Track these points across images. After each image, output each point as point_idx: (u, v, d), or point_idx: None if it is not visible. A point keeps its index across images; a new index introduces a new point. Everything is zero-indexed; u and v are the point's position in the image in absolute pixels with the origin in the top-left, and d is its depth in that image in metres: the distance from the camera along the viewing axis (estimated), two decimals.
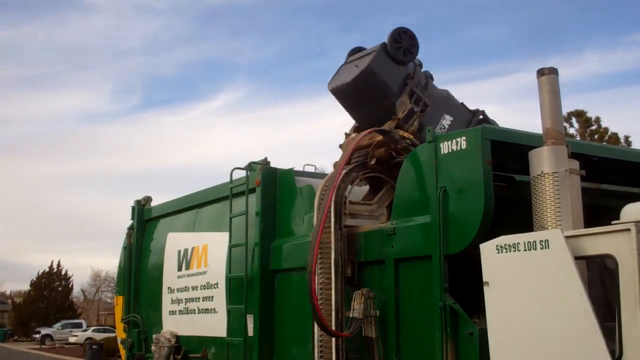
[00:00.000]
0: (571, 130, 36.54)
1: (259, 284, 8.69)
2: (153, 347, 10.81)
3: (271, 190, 8.88)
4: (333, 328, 7.19)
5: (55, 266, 66.70)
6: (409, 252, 6.81)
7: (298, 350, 8.21)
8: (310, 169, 9.42)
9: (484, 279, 5.61)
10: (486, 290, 5.59)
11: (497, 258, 5.49)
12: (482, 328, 5.99)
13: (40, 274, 66.24)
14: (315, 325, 7.45)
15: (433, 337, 6.38)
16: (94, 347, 36.14)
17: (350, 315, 7.03)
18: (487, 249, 5.59)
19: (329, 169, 9.17)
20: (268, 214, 8.83)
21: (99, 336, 49.98)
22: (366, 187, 8.31)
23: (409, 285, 6.84)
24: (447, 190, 6.40)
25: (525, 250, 5.28)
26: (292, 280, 8.50)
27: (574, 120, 37.57)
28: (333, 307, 7.23)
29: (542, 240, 5.19)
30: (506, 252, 5.42)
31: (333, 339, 7.20)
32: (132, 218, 12.28)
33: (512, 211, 6.45)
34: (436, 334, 6.30)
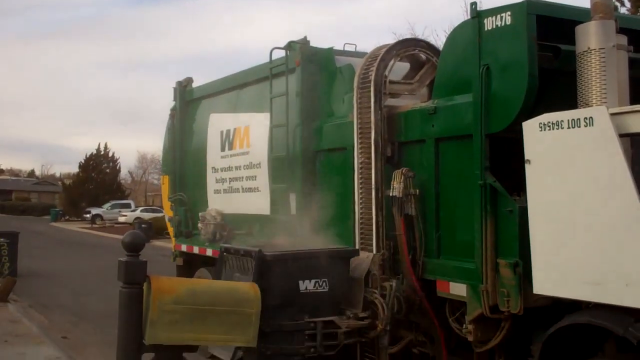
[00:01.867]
0: (622, 10, 35.20)
1: (301, 164, 8.79)
2: (200, 224, 11.10)
3: (311, 70, 8.83)
4: (373, 207, 7.30)
5: (102, 149, 67.98)
6: (449, 131, 6.79)
7: (338, 226, 8.35)
8: (351, 48, 9.30)
9: (526, 157, 5.60)
10: (527, 168, 5.59)
11: (539, 136, 5.46)
12: (522, 206, 6.04)
13: (88, 156, 67.61)
14: (356, 203, 7.57)
15: (472, 215, 6.45)
16: (143, 225, 37.37)
17: (390, 194, 7.11)
18: (530, 127, 5.55)
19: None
20: (308, 94, 8.82)
21: (147, 216, 51.39)
22: (407, 65, 8.20)
23: (449, 164, 6.86)
24: (490, 67, 6.29)
25: (569, 127, 5.24)
26: (333, 160, 8.57)
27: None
28: (373, 186, 7.31)
29: (586, 118, 5.13)
30: (549, 129, 5.37)
31: (373, 217, 7.31)
32: (175, 99, 12.36)
33: (557, 84, 6.33)
34: (476, 211, 6.35)
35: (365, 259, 7.20)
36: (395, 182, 7.06)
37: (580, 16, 6.14)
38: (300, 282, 6.70)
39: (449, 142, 6.84)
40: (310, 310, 6.71)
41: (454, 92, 6.81)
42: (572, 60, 6.03)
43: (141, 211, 56.81)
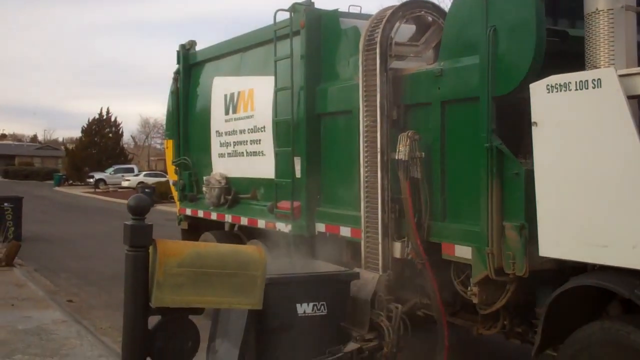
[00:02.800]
0: None
1: (306, 128, 8.76)
2: (204, 188, 11.11)
3: (316, 32, 8.76)
4: (379, 170, 7.29)
5: (104, 113, 67.94)
6: (456, 93, 6.75)
7: (344, 190, 8.36)
8: (356, 10, 9.20)
9: (533, 119, 5.57)
10: (534, 131, 5.57)
11: (547, 98, 5.42)
12: (528, 169, 6.02)
13: (90, 120, 67.67)
14: (362, 166, 7.56)
15: (478, 178, 6.44)
16: (146, 190, 37.48)
17: (396, 157, 7.09)
18: (537, 89, 5.51)
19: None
20: (313, 56, 8.76)
21: (151, 180, 51.62)
22: (413, 27, 8.12)
23: (455, 127, 6.83)
24: (497, 29, 6.23)
25: (576, 89, 5.20)
26: (338, 124, 8.54)
27: None
28: (379, 150, 7.29)
29: (594, 79, 5.09)
30: (557, 91, 5.34)
31: (379, 180, 7.30)
32: (178, 62, 12.29)
33: (566, 68, 6.29)
34: (481, 174, 6.33)
35: (371, 279, 7.20)
36: (401, 145, 7.04)
37: None
38: (298, 305, 6.66)
39: (455, 105, 6.80)
40: (308, 335, 6.71)
41: (461, 54, 6.75)
42: (580, 43, 5.98)
43: (144, 176, 57.03)
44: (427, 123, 7.13)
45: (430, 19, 7.69)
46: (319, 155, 8.81)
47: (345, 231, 8.25)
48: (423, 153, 7.01)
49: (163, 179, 50.30)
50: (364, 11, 9.15)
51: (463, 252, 6.64)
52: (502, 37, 6.21)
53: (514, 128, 6.40)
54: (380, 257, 7.34)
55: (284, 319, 6.66)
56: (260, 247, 6.74)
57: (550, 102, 5.39)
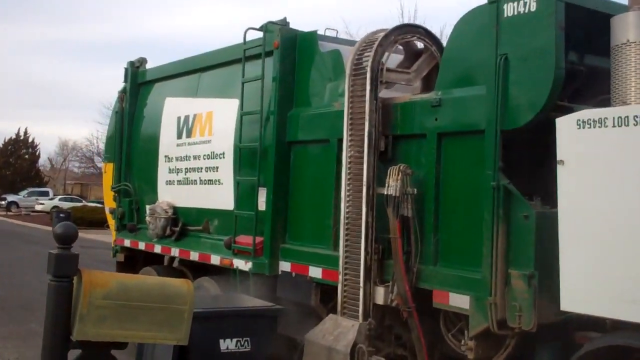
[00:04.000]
0: None
1: (274, 156, 8.04)
2: (148, 218, 10.22)
3: (290, 53, 8.10)
4: (363, 206, 6.63)
5: (22, 133, 65.40)
6: (456, 125, 6.17)
7: (316, 226, 7.67)
8: (332, 34, 8.60)
9: (559, 157, 5.02)
10: (560, 170, 5.02)
11: (577, 134, 4.89)
12: (540, 211, 5.49)
13: (6, 140, 64.96)
14: (343, 201, 6.89)
15: (480, 219, 5.85)
16: (61, 215, 35.64)
17: (385, 193, 6.45)
18: (565, 124, 4.97)
19: (357, 35, 8.38)
20: (286, 80, 8.09)
21: (66, 205, 49.62)
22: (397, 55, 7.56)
23: (454, 163, 6.24)
24: (508, 58, 5.70)
25: (614, 126, 4.68)
26: (312, 153, 7.88)
27: None
28: (364, 183, 6.64)
29: (636, 116, 4.57)
30: (590, 127, 4.81)
31: (363, 217, 6.64)
32: (125, 81, 11.39)
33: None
34: (486, 216, 5.74)
35: (350, 328, 6.55)
36: (391, 179, 6.41)
37: (612, 9, 5.63)
38: (222, 341, 6.47)
39: (455, 138, 6.22)
40: None
41: (463, 84, 6.21)
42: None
43: (59, 200, 54.97)
44: (419, 156, 6.54)
45: (421, 45, 7.13)
46: (287, 186, 8.10)
47: (315, 272, 7.52)
48: (415, 189, 6.38)
49: (79, 204, 48.47)
50: (341, 34, 8.55)
51: (459, 301, 6.01)
52: (515, 66, 5.68)
53: (520, 165, 5.88)
54: (360, 303, 6.64)
55: (207, 355, 6.45)
56: (189, 280, 6.46)
57: (582, 138, 4.85)
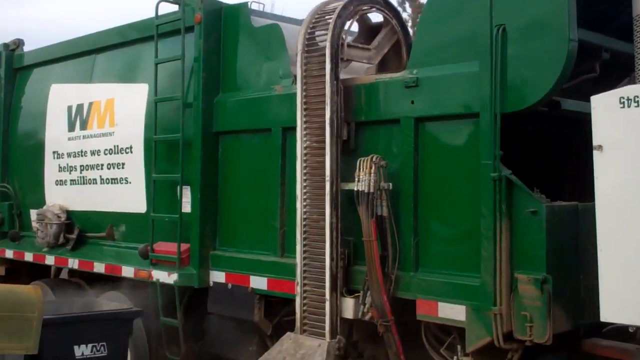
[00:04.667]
0: (404, 15, 35.46)
1: (200, 148, 6.92)
2: (35, 225, 8.80)
3: (216, 29, 6.99)
4: (327, 205, 5.68)
5: None
6: (439, 109, 5.30)
7: (255, 229, 6.65)
8: (259, 8, 7.50)
9: (596, 142, 4.26)
10: (598, 157, 4.26)
11: (620, 115, 4.14)
12: (550, 205, 4.75)
13: None
14: (299, 199, 5.90)
15: (473, 216, 5.06)
16: None
17: (355, 189, 5.52)
18: (605, 103, 4.22)
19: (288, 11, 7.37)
20: (211, 60, 6.98)
21: None
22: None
23: (437, 152, 5.39)
24: (507, 29, 4.90)
25: None
26: (247, 145, 6.82)
27: None
28: (328, 178, 5.67)
29: None
30: (636, 106, 4.07)
31: (327, 217, 5.68)
32: None
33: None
34: (484, 212, 4.93)
35: (317, 348, 5.61)
36: (362, 173, 5.49)
37: None
38: (76, 347, 6.26)
39: (437, 124, 5.37)
40: None
41: (444, 61, 5.35)
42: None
43: None
44: (391, 146, 5.65)
45: (379, 18, 6.23)
46: (216, 184, 7.00)
47: (258, 282, 6.50)
48: (390, 184, 5.49)
49: None
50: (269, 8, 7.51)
51: (451, 312, 5.18)
52: (515, 39, 4.89)
53: (519, 153, 5.14)
54: (327, 318, 5.68)
55: None
56: (37, 286, 6.38)
57: (626, 119, 4.11)
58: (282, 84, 6.38)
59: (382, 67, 6.17)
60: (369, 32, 6.28)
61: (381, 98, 5.66)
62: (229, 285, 6.76)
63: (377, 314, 5.50)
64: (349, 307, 5.70)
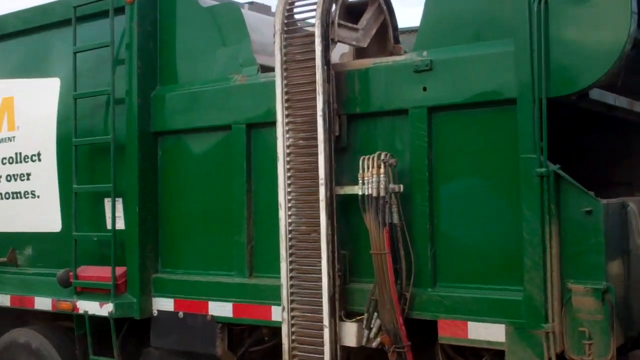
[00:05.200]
0: None
1: (137, 153, 5.78)
2: None
3: (152, 11, 5.89)
4: (322, 214, 4.76)
5: None
6: (463, 95, 4.52)
7: (212, 246, 5.63)
8: None
9: None
10: None
11: None
12: (606, 204, 4.13)
13: None
14: (283, 208, 4.93)
15: (507, 219, 4.36)
16: None
17: (361, 193, 4.65)
18: None
19: None
20: (148, 47, 5.87)
21: None
22: None
23: (458, 146, 4.61)
24: (549, 2, 4.22)
25: None
26: (193, 146, 5.78)
27: None
28: (323, 182, 4.75)
29: None
30: None
31: (323, 228, 4.75)
32: None
33: None
34: (528, 214, 4.21)
35: None
36: (367, 174, 4.63)
37: None
38: None
39: (458, 113, 4.59)
40: None
41: (464, 39, 4.60)
42: None
43: None
44: (394, 141, 4.82)
45: None
46: (156, 194, 5.89)
47: (220, 309, 5.48)
48: (401, 185, 4.66)
49: None
50: None
51: (486, 332, 4.42)
52: (559, 14, 4.21)
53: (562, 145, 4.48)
54: (326, 349, 4.75)
55: None
56: None
57: None
58: (245, 73, 5.41)
59: (359, 52, 5.34)
60: (347, 12, 5.41)
61: (382, 86, 4.81)
62: (180, 314, 5.67)
63: (389, 340, 4.64)
64: (350, 333, 4.81)
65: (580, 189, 4.17)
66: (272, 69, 5.07)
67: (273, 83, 4.98)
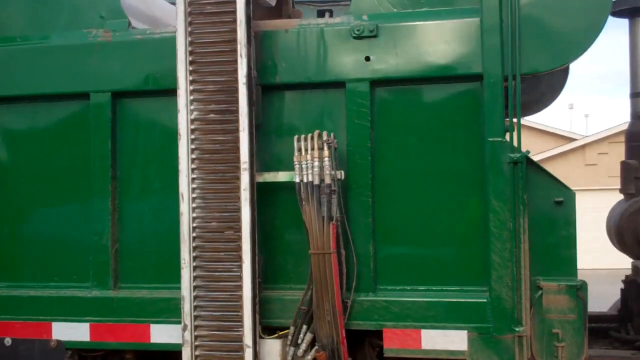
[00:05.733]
0: None
1: None
2: None
3: None
4: (244, 206, 3.82)
5: None
6: (415, 67, 3.90)
7: (54, 250, 4.37)
8: None
9: None
10: None
11: None
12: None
13: None
14: (185, 199, 3.89)
15: (467, 211, 3.88)
16: None
17: (299, 180, 3.82)
18: None
19: None
20: None
21: None
22: None
23: (408, 126, 3.98)
24: None
25: None
26: (21, 120, 4.43)
27: None
28: (246, 167, 3.81)
29: None
30: None
31: (245, 223, 3.81)
32: None
33: None
34: (496, 204, 3.77)
35: None
36: (305, 157, 3.81)
37: None
38: None
39: (409, 88, 3.96)
40: None
41: (413, 5, 4.00)
42: None
43: None
44: (323, 119, 4.06)
45: None
46: None
47: (70, 331, 4.25)
48: (342, 171, 3.91)
49: None
50: None
51: (444, 340, 3.88)
52: None
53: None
54: None
55: None
56: None
57: None
58: (110, 27, 4.22)
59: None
60: None
61: (311, 53, 4.01)
62: (8, 341, 4.27)
63: (326, 357, 3.87)
64: (273, 352, 3.95)
65: (552, 177, 3.81)
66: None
67: (159, 41, 3.91)
